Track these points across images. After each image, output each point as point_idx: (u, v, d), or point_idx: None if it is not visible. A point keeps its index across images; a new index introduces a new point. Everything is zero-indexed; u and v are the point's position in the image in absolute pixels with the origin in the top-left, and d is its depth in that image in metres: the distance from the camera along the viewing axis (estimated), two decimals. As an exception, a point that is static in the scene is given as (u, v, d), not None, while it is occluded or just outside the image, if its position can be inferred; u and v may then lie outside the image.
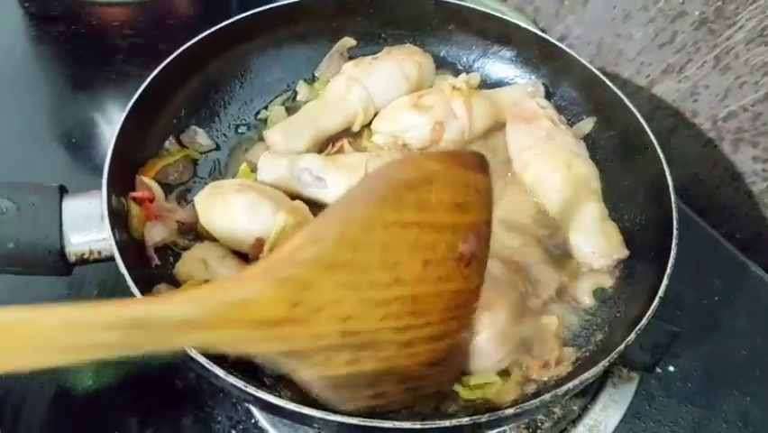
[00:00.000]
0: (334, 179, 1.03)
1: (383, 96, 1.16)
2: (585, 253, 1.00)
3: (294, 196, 1.02)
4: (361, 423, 0.72)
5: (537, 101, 1.16)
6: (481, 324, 0.82)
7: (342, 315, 0.63)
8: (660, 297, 0.86)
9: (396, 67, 1.18)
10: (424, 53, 1.23)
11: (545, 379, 0.89)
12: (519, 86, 1.25)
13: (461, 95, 1.13)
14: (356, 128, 1.16)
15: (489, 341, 0.84)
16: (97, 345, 0.51)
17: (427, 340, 0.71)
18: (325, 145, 1.14)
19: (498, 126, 1.18)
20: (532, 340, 0.91)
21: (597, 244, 1.00)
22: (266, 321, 0.58)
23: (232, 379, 0.74)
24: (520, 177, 1.10)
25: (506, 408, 0.76)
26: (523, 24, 1.25)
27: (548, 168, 1.07)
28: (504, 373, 0.88)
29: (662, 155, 1.03)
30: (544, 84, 1.24)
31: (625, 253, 1.00)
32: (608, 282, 1.01)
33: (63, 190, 0.91)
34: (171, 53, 1.08)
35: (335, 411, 0.72)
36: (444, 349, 0.74)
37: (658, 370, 1.06)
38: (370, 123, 1.17)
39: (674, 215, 0.95)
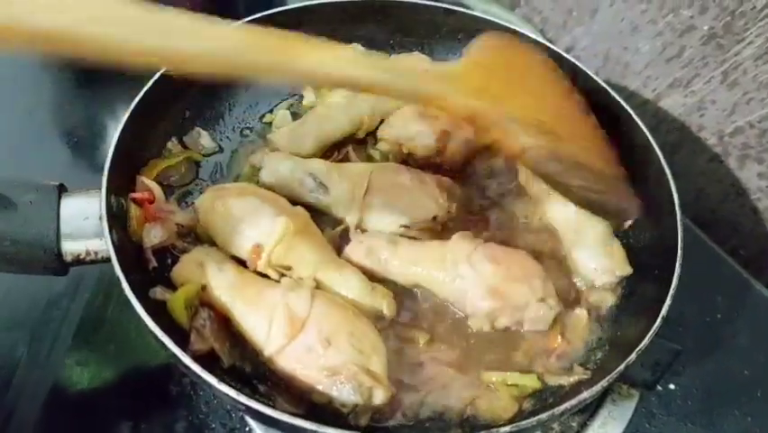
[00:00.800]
0: (337, 188, 1.02)
1: (389, 104, 1.16)
2: (589, 270, 1.00)
3: (293, 199, 1.01)
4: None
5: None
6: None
7: (526, 105, 0.87)
8: (663, 317, 0.85)
9: None
10: (432, 63, 1.23)
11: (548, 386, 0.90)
12: None
13: None
14: (361, 135, 1.16)
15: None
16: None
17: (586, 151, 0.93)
18: (331, 152, 1.14)
19: None
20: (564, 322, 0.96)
21: (600, 260, 0.99)
22: (474, 88, 0.83)
23: (224, 387, 0.73)
24: (526, 187, 1.10)
25: (501, 425, 0.75)
26: (531, 35, 1.25)
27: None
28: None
29: (668, 172, 1.02)
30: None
31: (628, 270, 1.00)
32: (610, 300, 1.00)
33: (62, 189, 0.90)
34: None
35: (327, 423, 0.72)
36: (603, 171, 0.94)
37: (659, 387, 1.05)
38: (375, 130, 1.17)
39: (679, 234, 0.94)
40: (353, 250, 0.98)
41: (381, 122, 1.17)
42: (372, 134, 1.17)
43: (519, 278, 0.92)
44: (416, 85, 0.79)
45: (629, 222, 0.98)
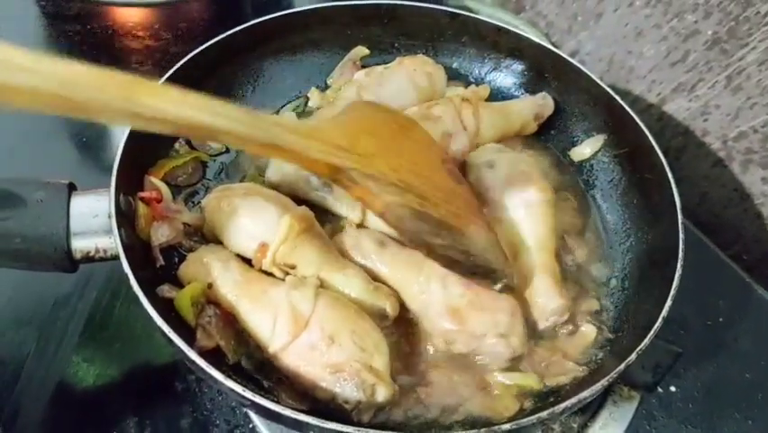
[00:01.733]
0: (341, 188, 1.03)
1: (394, 106, 1.16)
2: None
3: (299, 197, 1.02)
4: (356, 431, 0.72)
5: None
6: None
7: (393, 166, 0.83)
8: (663, 317, 0.85)
9: (407, 77, 1.18)
10: (435, 64, 1.23)
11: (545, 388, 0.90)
12: (528, 98, 1.25)
13: (471, 105, 1.13)
14: None
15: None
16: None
17: (455, 216, 0.90)
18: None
19: (507, 137, 1.19)
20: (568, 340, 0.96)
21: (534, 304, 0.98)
22: (336, 145, 0.78)
23: (230, 383, 0.74)
24: None
25: (502, 423, 0.75)
26: (535, 39, 1.25)
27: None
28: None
29: (670, 176, 1.02)
30: (554, 98, 1.24)
31: (562, 304, 0.96)
32: (594, 306, 1.01)
33: (72, 187, 0.91)
34: (184, 56, 1.09)
35: (330, 419, 0.73)
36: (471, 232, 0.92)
37: (659, 389, 1.05)
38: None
39: (680, 237, 0.95)
40: (341, 241, 0.99)
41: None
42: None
43: (485, 308, 0.90)
44: (274, 137, 0.72)
45: (500, 284, 0.92)
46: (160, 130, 0.64)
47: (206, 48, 1.12)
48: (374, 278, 0.95)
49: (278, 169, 1.05)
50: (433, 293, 0.92)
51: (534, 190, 1.03)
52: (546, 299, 0.95)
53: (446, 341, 0.91)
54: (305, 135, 0.76)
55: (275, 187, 1.04)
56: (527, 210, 1.01)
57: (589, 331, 0.97)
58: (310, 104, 1.24)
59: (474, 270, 0.91)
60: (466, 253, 0.89)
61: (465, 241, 0.89)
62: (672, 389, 1.07)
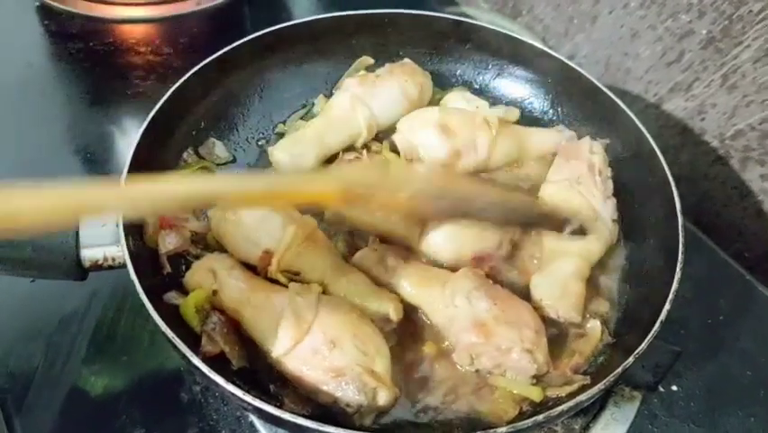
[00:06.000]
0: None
1: (386, 115, 1.19)
2: (535, 298, 0.99)
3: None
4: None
5: (592, 145, 1.14)
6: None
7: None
8: (661, 321, 0.86)
9: (399, 88, 1.20)
10: (424, 73, 1.25)
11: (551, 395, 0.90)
12: (552, 132, 1.22)
13: (489, 132, 1.13)
14: (359, 144, 1.18)
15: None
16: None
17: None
18: (334, 158, 1.17)
19: (527, 158, 1.19)
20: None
21: (550, 294, 0.98)
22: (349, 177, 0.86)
23: (231, 387, 0.76)
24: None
25: (499, 426, 0.76)
26: (537, 44, 1.27)
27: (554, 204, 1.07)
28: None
29: (671, 179, 1.03)
30: (557, 102, 1.26)
31: (573, 316, 0.97)
32: (603, 307, 1.02)
33: (82, 198, 0.93)
34: (186, 70, 1.11)
35: (333, 423, 0.74)
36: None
37: (661, 389, 1.05)
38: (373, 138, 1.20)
39: (681, 238, 0.96)
40: (365, 256, 1.00)
41: (377, 134, 1.20)
42: (375, 141, 1.20)
43: (511, 322, 0.90)
44: (293, 186, 0.82)
45: (569, 228, 0.93)
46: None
47: (213, 59, 1.14)
48: (397, 294, 0.97)
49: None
50: (458, 308, 0.92)
51: None
52: (567, 310, 0.97)
53: (471, 355, 0.91)
54: (317, 179, 0.88)
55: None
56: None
57: (595, 328, 0.97)
58: (315, 110, 1.26)
59: (527, 221, 0.97)
60: (506, 210, 0.92)
61: (495, 198, 0.92)
62: (674, 388, 1.07)
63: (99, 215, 0.81)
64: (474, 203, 0.89)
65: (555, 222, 0.95)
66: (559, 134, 1.21)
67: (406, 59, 1.28)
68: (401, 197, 0.85)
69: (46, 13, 1.62)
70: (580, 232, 0.93)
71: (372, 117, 1.17)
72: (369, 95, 1.18)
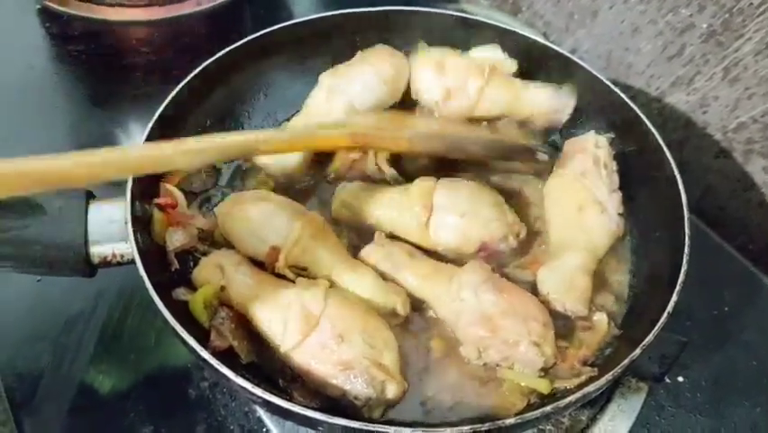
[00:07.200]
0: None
1: (364, 100, 1.17)
2: (542, 291, 0.99)
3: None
4: (363, 427, 0.74)
5: (597, 139, 1.14)
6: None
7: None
8: (669, 313, 0.86)
9: (374, 72, 1.19)
10: (397, 53, 1.24)
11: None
12: (548, 89, 1.22)
13: (481, 78, 1.17)
14: None
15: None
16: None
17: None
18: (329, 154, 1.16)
19: (520, 113, 1.20)
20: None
21: (557, 288, 0.98)
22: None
23: (240, 380, 0.76)
24: None
25: (507, 418, 0.77)
26: (540, 40, 1.27)
27: (559, 198, 1.09)
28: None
29: (677, 172, 1.03)
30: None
31: (580, 309, 0.97)
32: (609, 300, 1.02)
33: (89, 195, 0.94)
34: (187, 71, 1.11)
35: (338, 414, 0.75)
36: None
37: (667, 380, 1.06)
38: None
39: (686, 231, 0.96)
40: (373, 251, 1.00)
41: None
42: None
43: (518, 315, 0.90)
44: (313, 134, 1.00)
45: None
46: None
47: (217, 58, 1.15)
48: (404, 288, 0.97)
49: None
50: (465, 301, 0.92)
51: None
52: (574, 303, 0.97)
53: (479, 349, 0.91)
54: (332, 126, 1.02)
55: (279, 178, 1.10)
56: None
57: (601, 320, 0.97)
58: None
59: (504, 153, 1.14)
60: (486, 147, 1.11)
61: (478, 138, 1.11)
62: (680, 379, 1.07)
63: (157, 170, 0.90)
64: (462, 142, 1.08)
65: (525, 151, 1.14)
66: (554, 93, 1.21)
67: (379, 45, 1.26)
68: (403, 138, 1.03)
69: (47, 15, 1.63)
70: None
71: (350, 104, 1.15)
72: (344, 83, 1.17)
